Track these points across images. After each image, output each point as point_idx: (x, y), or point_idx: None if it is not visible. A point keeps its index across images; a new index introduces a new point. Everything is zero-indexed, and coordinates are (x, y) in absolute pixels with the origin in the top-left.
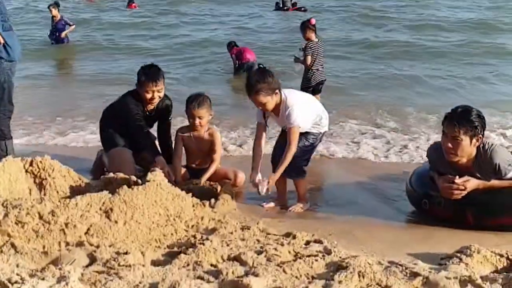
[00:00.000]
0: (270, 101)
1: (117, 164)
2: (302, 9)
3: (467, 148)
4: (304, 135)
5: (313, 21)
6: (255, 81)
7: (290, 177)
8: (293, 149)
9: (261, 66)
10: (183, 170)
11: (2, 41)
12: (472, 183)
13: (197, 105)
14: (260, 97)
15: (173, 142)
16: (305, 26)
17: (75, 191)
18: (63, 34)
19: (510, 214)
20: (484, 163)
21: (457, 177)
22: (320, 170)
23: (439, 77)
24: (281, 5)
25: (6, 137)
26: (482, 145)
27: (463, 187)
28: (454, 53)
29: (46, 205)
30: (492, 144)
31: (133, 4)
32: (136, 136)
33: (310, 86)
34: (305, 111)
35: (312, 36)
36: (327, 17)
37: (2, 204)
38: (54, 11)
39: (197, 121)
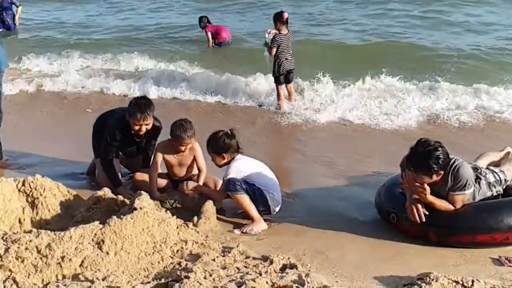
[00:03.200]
0: (217, 159)
1: (103, 175)
2: None
3: (428, 181)
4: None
5: (285, 15)
6: (208, 142)
7: (225, 190)
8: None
9: (228, 131)
10: (166, 181)
11: None
12: (418, 185)
13: (188, 135)
14: (210, 154)
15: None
16: (277, 19)
17: (65, 207)
18: (16, 21)
19: (468, 232)
20: (449, 177)
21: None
22: (295, 174)
23: None
24: None
25: None
26: (449, 164)
27: (410, 182)
28: None
29: (43, 238)
30: (460, 161)
31: None
32: (103, 159)
33: (281, 74)
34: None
35: (282, 28)
36: None
37: (2, 238)
38: None
39: (187, 147)
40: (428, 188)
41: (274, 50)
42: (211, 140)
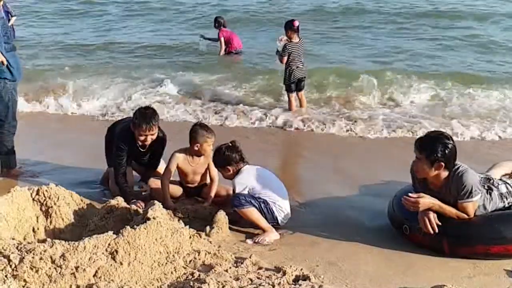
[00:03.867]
0: (223, 172)
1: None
2: None
3: (427, 170)
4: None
5: (296, 23)
6: (213, 157)
7: (232, 207)
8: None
9: (230, 144)
10: (180, 190)
11: (5, 63)
12: (425, 201)
13: (212, 137)
14: (216, 168)
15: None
16: (288, 27)
17: (79, 215)
18: None
19: (481, 243)
20: (453, 184)
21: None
22: (306, 182)
23: None
24: None
25: (9, 151)
26: (454, 168)
27: (416, 202)
28: None
29: (57, 248)
30: (466, 168)
31: None
32: (115, 172)
33: (292, 82)
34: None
35: (294, 36)
36: None
37: (17, 248)
38: None
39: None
40: (425, 195)
41: (285, 58)
42: (215, 155)
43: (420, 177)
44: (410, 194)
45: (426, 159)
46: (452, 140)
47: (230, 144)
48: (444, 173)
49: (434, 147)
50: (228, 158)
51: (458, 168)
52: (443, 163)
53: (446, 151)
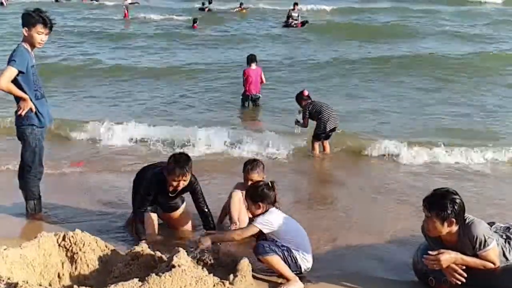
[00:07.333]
0: (252, 207)
1: None
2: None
3: (439, 228)
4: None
5: (306, 92)
6: (248, 190)
7: (255, 254)
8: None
9: (269, 183)
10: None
11: (34, 110)
12: (446, 256)
13: (250, 169)
14: (246, 200)
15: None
16: (299, 98)
17: (103, 262)
18: None
19: None
20: (465, 237)
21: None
22: (329, 229)
23: None
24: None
25: (36, 197)
26: (463, 222)
27: (437, 260)
28: None
29: None
30: (472, 219)
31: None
32: (136, 212)
33: (324, 133)
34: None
35: (308, 101)
36: None
37: None
38: None
39: (249, 182)
40: (445, 251)
41: (306, 120)
42: (250, 188)
43: (432, 236)
44: (429, 252)
45: (437, 217)
46: (459, 195)
47: (270, 184)
48: (455, 228)
49: (443, 205)
50: (263, 195)
51: (465, 221)
52: (454, 219)
53: (455, 207)
